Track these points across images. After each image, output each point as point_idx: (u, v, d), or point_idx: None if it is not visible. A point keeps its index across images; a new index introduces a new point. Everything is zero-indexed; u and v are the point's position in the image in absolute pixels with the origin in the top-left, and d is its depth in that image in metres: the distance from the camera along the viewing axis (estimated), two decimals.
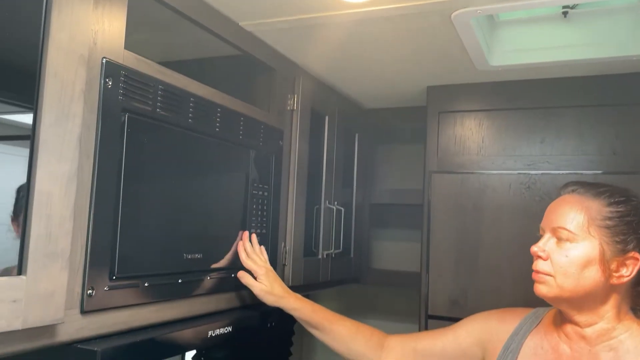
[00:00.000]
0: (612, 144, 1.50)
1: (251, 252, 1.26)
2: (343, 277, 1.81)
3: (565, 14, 1.40)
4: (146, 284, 0.97)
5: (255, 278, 1.23)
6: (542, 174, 1.55)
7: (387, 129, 2.18)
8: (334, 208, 1.70)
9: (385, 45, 1.38)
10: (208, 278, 1.14)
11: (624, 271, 0.96)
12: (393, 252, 2.18)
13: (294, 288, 1.49)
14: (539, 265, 1.02)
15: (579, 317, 1.00)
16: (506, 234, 1.56)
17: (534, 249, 1.03)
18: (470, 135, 1.66)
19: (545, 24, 1.43)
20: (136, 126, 0.95)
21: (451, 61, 1.48)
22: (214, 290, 1.17)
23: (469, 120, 1.67)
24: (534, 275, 1.02)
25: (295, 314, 1.24)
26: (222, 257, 1.20)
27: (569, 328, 1.02)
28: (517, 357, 1.05)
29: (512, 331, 1.09)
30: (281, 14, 1.21)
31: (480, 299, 1.58)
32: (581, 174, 1.50)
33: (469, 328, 1.16)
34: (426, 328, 1.61)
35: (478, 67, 1.50)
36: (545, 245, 1.02)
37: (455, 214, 1.63)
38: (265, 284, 1.22)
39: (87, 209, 0.86)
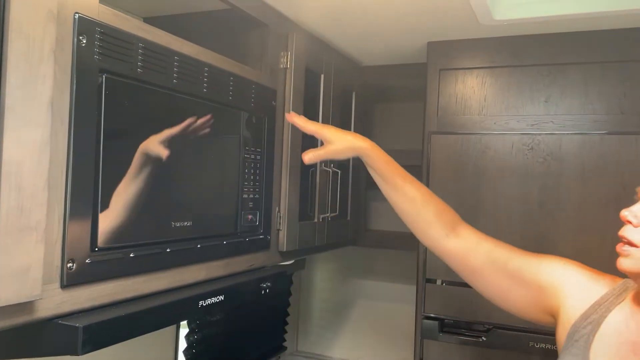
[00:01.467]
0: (619, 103, 1.44)
1: (305, 119, 1.20)
2: (339, 240, 1.78)
3: None
4: (132, 255, 0.93)
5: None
6: (546, 134, 1.49)
7: (385, 86, 2.11)
8: (330, 171, 1.65)
9: None
10: (198, 246, 1.10)
11: None
12: (391, 213, 2.14)
13: (289, 253, 1.46)
14: (627, 232, 0.86)
15: None
16: (507, 196, 1.51)
17: (624, 212, 0.87)
18: (472, 94, 1.59)
19: None
20: (115, 88, 0.89)
21: (453, 15, 1.40)
22: (205, 258, 1.13)
23: (471, 78, 1.60)
24: (619, 247, 0.87)
25: (368, 160, 1.13)
26: (213, 224, 1.16)
27: None
28: (597, 331, 0.91)
29: (597, 299, 0.94)
30: None
31: None
32: (587, 134, 1.44)
33: (555, 267, 1.01)
34: (424, 292, 1.58)
35: (482, 21, 1.42)
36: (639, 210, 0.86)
37: (455, 176, 1.58)
38: (335, 141, 1.13)
39: (64, 178, 0.80)
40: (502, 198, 1.52)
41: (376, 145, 1.14)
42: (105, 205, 0.87)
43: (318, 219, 1.60)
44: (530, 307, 1.03)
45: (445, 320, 1.57)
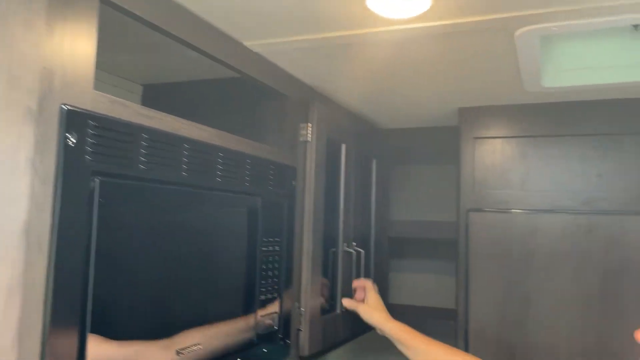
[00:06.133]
0: None
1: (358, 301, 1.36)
2: (364, 327, 1.57)
3: (636, 26, 1.16)
4: None
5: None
6: (603, 215, 1.30)
7: (410, 150, 1.91)
8: (354, 252, 1.46)
9: (421, 65, 1.14)
10: None
11: None
12: (415, 286, 1.94)
13: (310, 357, 1.25)
14: None
15: None
16: (563, 286, 1.32)
17: None
18: (513, 165, 1.42)
19: (611, 37, 1.19)
20: (112, 192, 0.70)
21: (493, 80, 1.24)
22: None
23: (511, 147, 1.43)
24: None
25: (389, 333, 1.26)
26: (226, 340, 0.96)
27: None
28: None
29: None
30: (298, 32, 0.96)
31: (532, 357, 1.34)
32: None
33: None
34: None
35: (527, 88, 1.26)
36: None
37: (498, 261, 1.38)
38: (372, 305, 1.33)
39: (40, 324, 0.61)
40: (557, 287, 1.32)
41: (399, 329, 1.23)
42: (94, 344, 0.67)
43: (341, 309, 1.39)
44: None
45: None
